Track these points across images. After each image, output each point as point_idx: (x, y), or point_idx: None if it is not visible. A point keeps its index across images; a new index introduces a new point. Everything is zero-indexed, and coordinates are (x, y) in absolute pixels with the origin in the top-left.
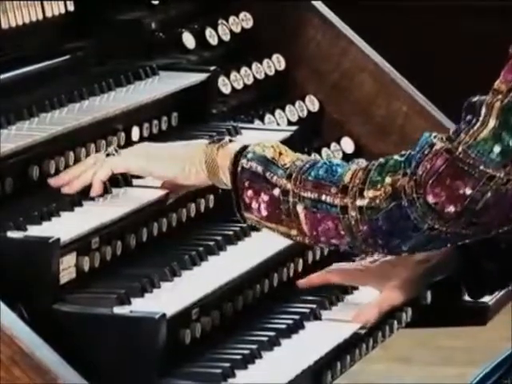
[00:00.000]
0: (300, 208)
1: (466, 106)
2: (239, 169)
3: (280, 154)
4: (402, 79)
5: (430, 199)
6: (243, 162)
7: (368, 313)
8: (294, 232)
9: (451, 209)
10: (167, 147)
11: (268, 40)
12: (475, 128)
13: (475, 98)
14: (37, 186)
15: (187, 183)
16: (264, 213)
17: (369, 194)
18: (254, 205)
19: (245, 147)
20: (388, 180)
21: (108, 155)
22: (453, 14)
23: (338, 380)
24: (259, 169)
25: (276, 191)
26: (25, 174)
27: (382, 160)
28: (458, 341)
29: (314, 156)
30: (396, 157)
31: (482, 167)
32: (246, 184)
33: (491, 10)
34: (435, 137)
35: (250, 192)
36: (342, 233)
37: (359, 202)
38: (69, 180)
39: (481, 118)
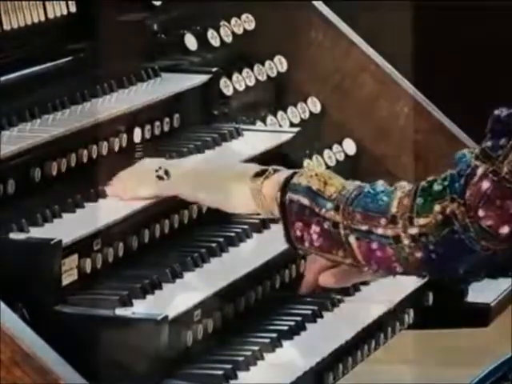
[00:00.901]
0: (352, 239)
1: (494, 119)
2: (287, 202)
3: (325, 183)
4: (404, 80)
5: (484, 223)
6: (290, 195)
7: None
8: (348, 261)
9: (505, 229)
10: (215, 176)
11: (270, 41)
12: None
13: (504, 113)
14: (39, 187)
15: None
16: (316, 243)
17: (419, 221)
18: (306, 236)
19: (290, 178)
20: (437, 208)
21: (158, 177)
22: (453, 14)
23: (340, 381)
24: (306, 202)
25: (326, 224)
26: (27, 176)
27: (424, 184)
28: (459, 342)
29: (353, 181)
30: (439, 181)
31: None
32: (296, 217)
33: (491, 10)
34: (473, 156)
35: (300, 224)
36: (397, 261)
37: (411, 231)
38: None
39: None
